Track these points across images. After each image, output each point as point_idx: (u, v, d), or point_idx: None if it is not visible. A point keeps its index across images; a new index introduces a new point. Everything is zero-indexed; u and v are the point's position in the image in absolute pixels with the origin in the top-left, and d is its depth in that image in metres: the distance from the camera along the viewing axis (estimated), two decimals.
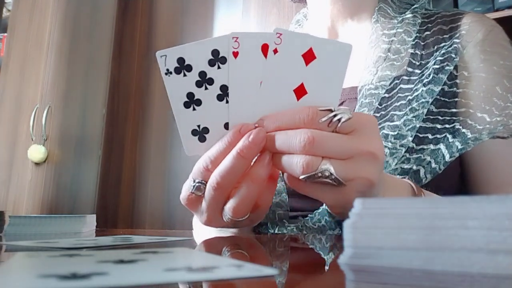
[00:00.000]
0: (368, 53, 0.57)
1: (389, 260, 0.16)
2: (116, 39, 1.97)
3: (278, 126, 0.35)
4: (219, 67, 0.35)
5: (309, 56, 0.35)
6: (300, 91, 0.36)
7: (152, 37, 1.92)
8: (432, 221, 0.16)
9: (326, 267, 0.20)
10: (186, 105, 0.37)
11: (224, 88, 0.36)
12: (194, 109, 0.37)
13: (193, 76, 0.36)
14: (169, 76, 0.36)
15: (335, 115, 0.33)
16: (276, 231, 0.51)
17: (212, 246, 0.31)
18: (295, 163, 0.33)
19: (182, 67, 0.36)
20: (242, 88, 0.36)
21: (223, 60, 0.35)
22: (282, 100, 0.36)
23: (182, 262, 0.17)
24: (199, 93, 0.36)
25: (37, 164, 1.82)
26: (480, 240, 0.15)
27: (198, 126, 0.37)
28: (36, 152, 1.79)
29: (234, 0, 1.77)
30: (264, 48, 0.35)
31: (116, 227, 1.78)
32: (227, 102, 0.36)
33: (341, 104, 0.55)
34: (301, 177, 0.33)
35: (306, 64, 0.35)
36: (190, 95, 0.36)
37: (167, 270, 0.15)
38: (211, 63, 0.35)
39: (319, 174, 0.32)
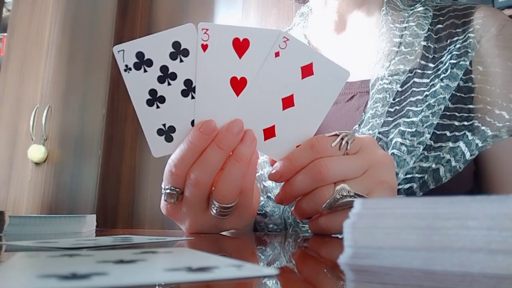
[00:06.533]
0: (379, 46, 0.56)
1: (389, 260, 0.16)
2: (116, 39, 1.96)
3: (293, 167, 0.35)
4: (181, 60, 0.33)
5: (307, 71, 0.34)
6: (288, 102, 0.35)
7: None
8: (432, 221, 0.16)
9: (326, 267, 0.20)
10: (149, 103, 0.34)
11: (188, 83, 0.34)
12: (158, 107, 0.34)
13: (154, 71, 0.33)
14: (128, 72, 0.33)
15: (342, 138, 0.34)
16: (290, 231, 0.50)
17: (212, 246, 0.31)
18: (312, 199, 0.35)
19: (142, 62, 0.33)
20: (210, 84, 0.34)
21: (185, 53, 0.33)
22: (267, 105, 0.34)
23: (182, 262, 0.17)
24: (162, 89, 0.34)
25: (37, 164, 1.82)
26: (480, 240, 0.15)
27: (164, 125, 0.35)
28: (36, 152, 1.79)
29: (234, 0, 1.77)
30: (236, 43, 0.33)
31: (116, 227, 1.78)
32: (192, 97, 0.34)
33: (351, 98, 0.55)
34: (322, 206, 0.34)
35: (302, 78, 0.34)
36: (152, 92, 0.34)
37: (167, 270, 0.15)
38: (173, 56, 0.33)
39: (338, 196, 0.33)
